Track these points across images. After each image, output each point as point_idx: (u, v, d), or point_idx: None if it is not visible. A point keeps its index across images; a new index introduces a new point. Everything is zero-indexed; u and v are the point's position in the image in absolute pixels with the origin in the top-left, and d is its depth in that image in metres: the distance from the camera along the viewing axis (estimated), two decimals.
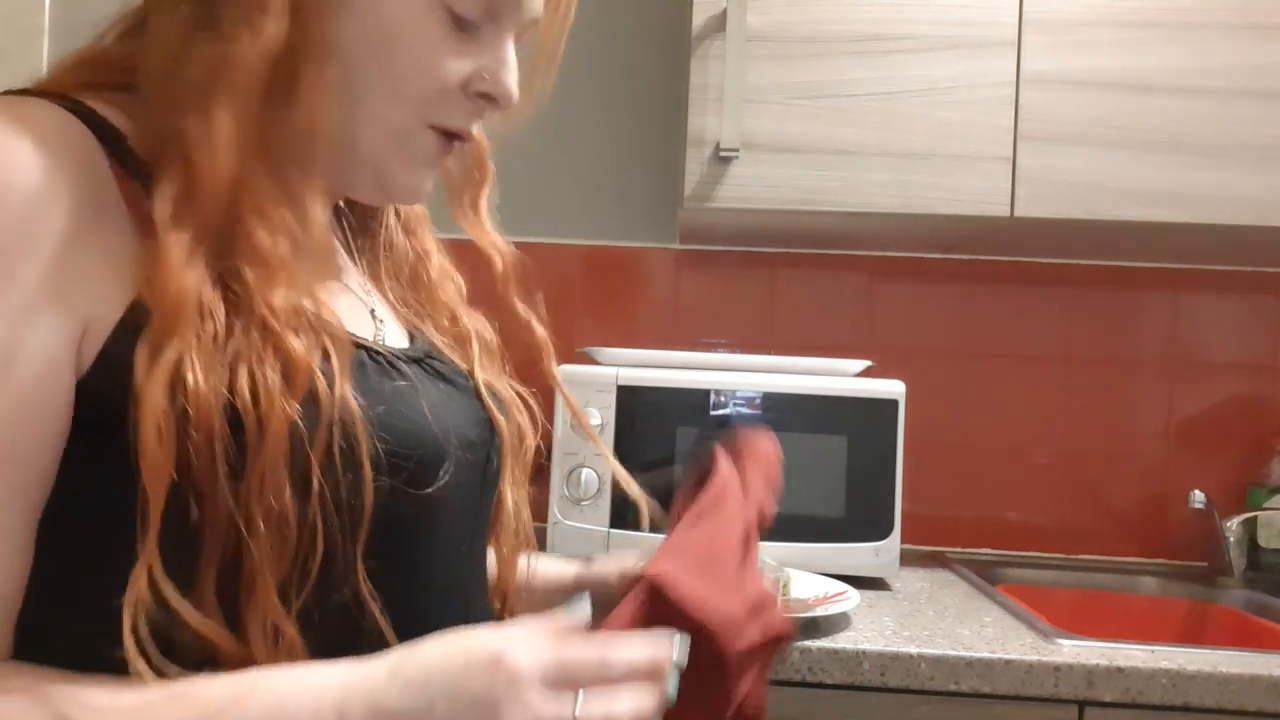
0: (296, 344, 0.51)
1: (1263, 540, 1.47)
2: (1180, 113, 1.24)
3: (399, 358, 0.61)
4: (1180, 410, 1.57)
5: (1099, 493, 1.57)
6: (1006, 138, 1.25)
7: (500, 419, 0.68)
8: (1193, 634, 1.35)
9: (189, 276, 0.49)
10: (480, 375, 0.69)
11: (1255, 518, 1.47)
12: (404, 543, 0.57)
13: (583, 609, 0.54)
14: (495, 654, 0.48)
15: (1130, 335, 1.58)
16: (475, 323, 0.74)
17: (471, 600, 0.64)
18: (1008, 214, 1.26)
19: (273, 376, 0.50)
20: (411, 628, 0.55)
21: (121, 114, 0.54)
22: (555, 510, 1.27)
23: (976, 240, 1.48)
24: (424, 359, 0.64)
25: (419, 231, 0.76)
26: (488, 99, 0.59)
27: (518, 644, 0.49)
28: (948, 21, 1.26)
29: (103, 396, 0.49)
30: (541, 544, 1.27)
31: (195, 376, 0.48)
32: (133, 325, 0.49)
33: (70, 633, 0.50)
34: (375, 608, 0.54)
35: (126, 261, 0.50)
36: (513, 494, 0.70)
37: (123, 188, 0.51)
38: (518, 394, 0.72)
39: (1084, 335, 1.58)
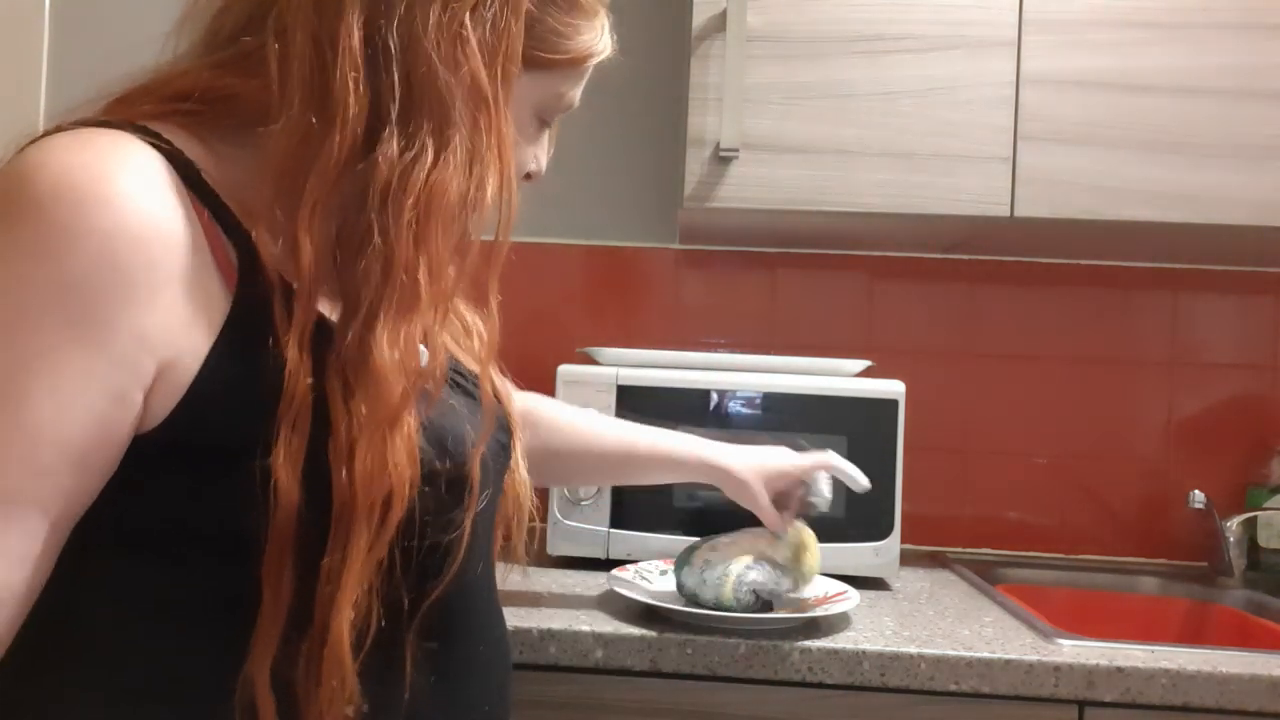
0: (409, 422, 0.55)
1: (1263, 540, 1.47)
2: (1180, 113, 1.24)
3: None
4: (1180, 410, 1.57)
5: (1099, 493, 1.57)
6: (1006, 138, 1.25)
7: (513, 411, 0.73)
8: (1193, 634, 1.35)
9: (305, 380, 0.53)
10: (492, 376, 0.73)
11: (1255, 518, 1.47)
12: (453, 590, 0.62)
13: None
14: None
15: (1130, 335, 1.58)
16: (470, 315, 0.77)
17: (489, 576, 0.71)
18: (1008, 214, 1.25)
19: (395, 458, 0.54)
20: (459, 640, 0.63)
21: (194, 140, 0.56)
22: (555, 510, 1.26)
23: (976, 240, 1.48)
24: (450, 373, 0.67)
25: None
26: (527, 177, 0.74)
27: None
28: (948, 21, 1.26)
29: (189, 439, 0.52)
30: (542, 543, 1.27)
31: (321, 465, 0.52)
32: (218, 374, 0.52)
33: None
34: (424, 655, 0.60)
35: (209, 301, 0.53)
36: (524, 473, 0.77)
37: (205, 227, 0.53)
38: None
39: (1084, 335, 1.58)
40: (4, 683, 0.53)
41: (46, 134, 0.53)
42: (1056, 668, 0.95)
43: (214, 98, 0.57)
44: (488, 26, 0.59)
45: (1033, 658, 0.95)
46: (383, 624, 0.55)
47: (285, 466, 0.51)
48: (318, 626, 0.53)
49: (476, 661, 0.66)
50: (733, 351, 1.58)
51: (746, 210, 1.28)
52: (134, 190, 0.50)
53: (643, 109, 1.62)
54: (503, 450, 0.71)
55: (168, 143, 0.54)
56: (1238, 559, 1.43)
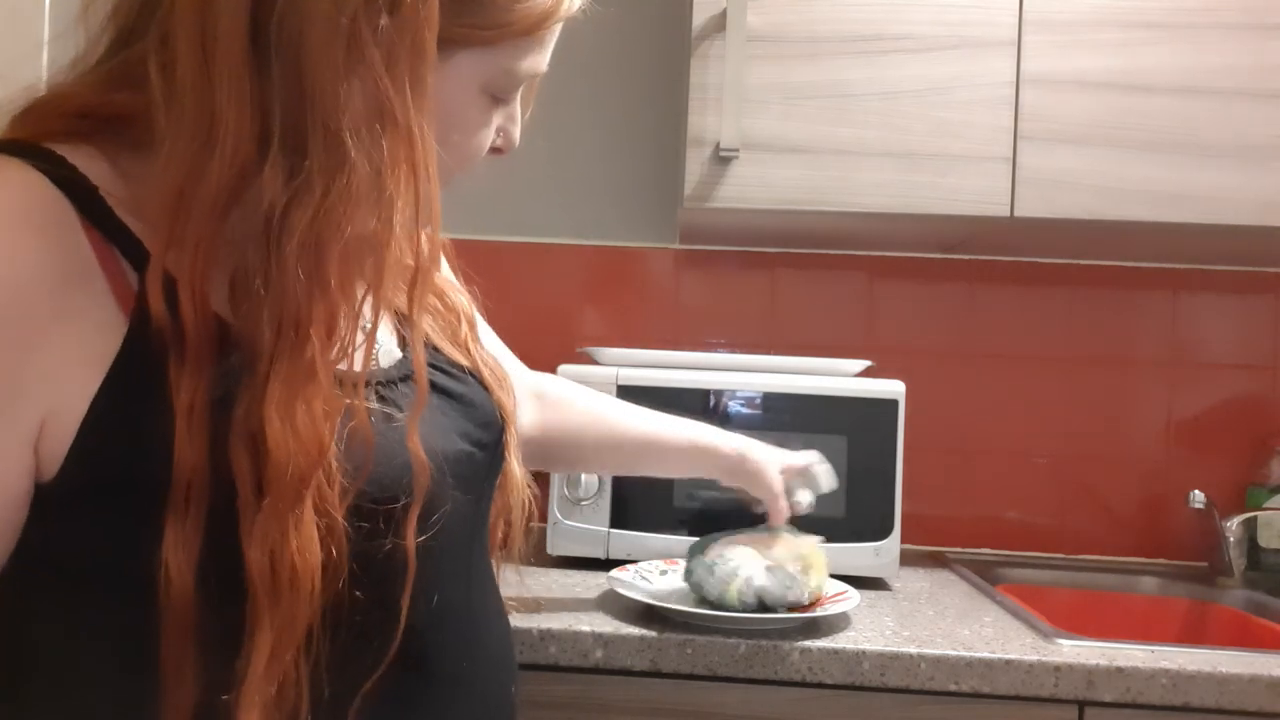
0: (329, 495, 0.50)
1: (1263, 540, 1.47)
2: (1181, 113, 1.24)
3: (393, 381, 0.61)
4: (1180, 410, 1.57)
5: (1099, 493, 1.57)
6: (1006, 138, 1.25)
7: (506, 401, 0.69)
8: (1193, 634, 1.35)
9: (192, 459, 0.47)
10: (477, 357, 0.70)
11: (1255, 518, 1.47)
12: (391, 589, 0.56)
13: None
14: None
15: (1130, 335, 1.58)
16: (459, 297, 0.74)
17: (475, 585, 0.66)
18: (1008, 214, 1.25)
19: (299, 544, 0.48)
20: (435, 663, 0.59)
21: (102, 160, 0.50)
22: (555, 510, 1.26)
23: (976, 240, 1.48)
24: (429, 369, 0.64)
25: None
26: (496, 150, 0.65)
27: None
28: (948, 21, 1.26)
29: (87, 483, 0.48)
30: (542, 543, 1.27)
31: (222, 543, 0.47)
32: (107, 417, 0.47)
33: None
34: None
35: (101, 335, 0.48)
36: (518, 468, 0.73)
37: (98, 251, 0.48)
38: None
39: (1084, 335, 1.58)
40: None
41: None
42: (1056, 668, 0.95)
43: (106, 116, 0.51)
44: (387, 17, 0.49)
45: (1033, 658, 0.95)
46: (326, 692, 0.50)
47: (177, 553, 0.46)
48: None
49: (459, 679, 0.62)
50: (733, 351, 1.58)
51: (746, 210, 1.28)
52: (9, 226, 0.45)
53: (643, 109, 1.62)
54: (485, 450, 0.66)
55: (64, 164, 0.49)
56: (1238, 559, 1.43)
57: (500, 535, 0.72)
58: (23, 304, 0.45)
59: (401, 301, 0.71)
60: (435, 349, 0.68)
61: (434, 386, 0.63)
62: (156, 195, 0.48)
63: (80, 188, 0.48)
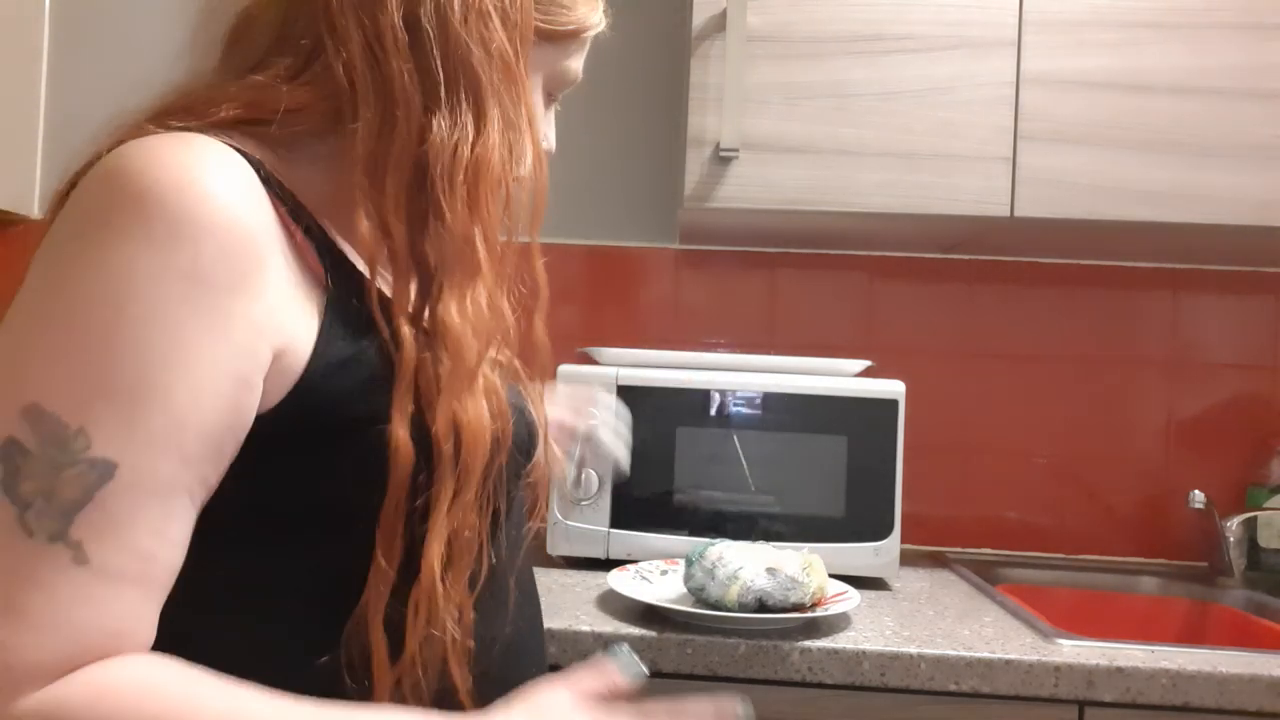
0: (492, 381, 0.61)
1: (1263, 540, 1.47)
2: (1180, 113, 1.24)
3: None
4: (1180, 410, 1.57)
5: (1099, 493, 1.57)
6: (1006, 138, 1.25)
7: (529, 381, 0.74)
8: (1193, 634, 1.35)
9: (413, 347, 0.57)
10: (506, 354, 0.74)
11: (1255, 518, 1.47)
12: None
13: (636, 668, 0.65)
14: None
15: (1130, 335, 1.58)
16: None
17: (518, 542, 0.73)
18: (1008, 214, 1.26)
19: (473, 412, 0.58)
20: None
21: (260, 147, 0.58)
22: (555, 510, 1.27)
23: (976, 240, 1.48)
24: None
25: None
26: None
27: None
28: (948, 21, 1.26)
29: (304, 422, 0.55)
30: (541, 544, 1.27)
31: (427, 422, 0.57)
32: (327, 358, 0.55)
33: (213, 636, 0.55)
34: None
35: (308, 291, 0.56)
36: (553, 442, 0.80)
37: (284, 225, 0.56)
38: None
39: (1084, 335, 1.58)
40: None
41: (122, 140, 0.54)
42: (1056, 668, 0.95)
43: (288, 110, 0.59)
44: (506, 2, 0.63)
45: (1033, 658, 0.95)
46: (493, 562, 0.61)
47: (403, 429, 0.55)
48: (419, 567, 0.57)
49: (527, 619, 0.71)
50: (733, 351, 1.58)
51: (746, 210, 1.28)
52: (238, 186, 0.52)
53: (643, 109, 1.62)
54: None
55: (237, 147, 0.56)
56: (1238, 559, 1.43)
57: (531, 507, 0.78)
58: (263, 240, 0.53)
59: None
60: None
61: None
62: (356, 156, 0.58)
63: (255, 164, 0.55)
